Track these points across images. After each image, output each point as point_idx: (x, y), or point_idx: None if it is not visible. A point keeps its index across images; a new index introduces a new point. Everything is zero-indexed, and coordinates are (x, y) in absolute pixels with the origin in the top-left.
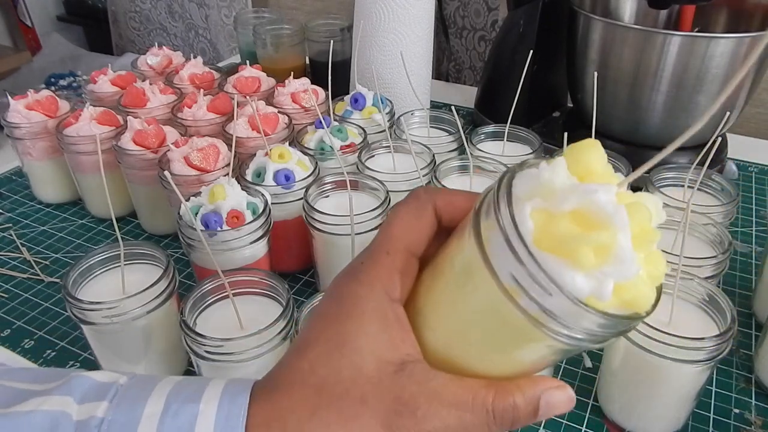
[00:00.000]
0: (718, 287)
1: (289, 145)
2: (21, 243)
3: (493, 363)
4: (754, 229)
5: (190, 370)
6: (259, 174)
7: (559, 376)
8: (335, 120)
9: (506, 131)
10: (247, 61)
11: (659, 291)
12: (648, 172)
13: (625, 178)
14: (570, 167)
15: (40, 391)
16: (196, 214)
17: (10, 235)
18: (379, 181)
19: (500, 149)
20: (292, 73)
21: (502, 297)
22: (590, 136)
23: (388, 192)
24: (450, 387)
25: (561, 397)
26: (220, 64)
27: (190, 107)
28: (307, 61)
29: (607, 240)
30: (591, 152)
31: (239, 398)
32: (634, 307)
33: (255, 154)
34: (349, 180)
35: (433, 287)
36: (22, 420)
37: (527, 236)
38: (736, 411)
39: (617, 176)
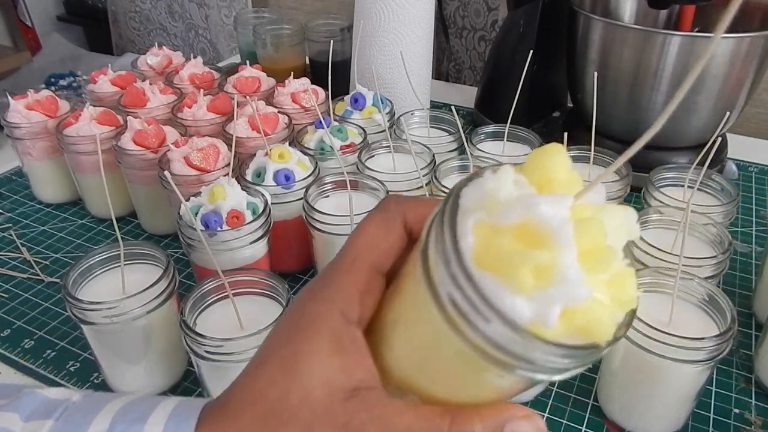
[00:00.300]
0: (718, 287)
1: (289, 145)
2: (21, 243)
3: (452, 391)
4: (754, 229)
5: (190, 370)
6: (259, 174)
7: None
8: (335, 120)
9: (506, 131)
10: (247, 61)
11: (630, 316)
12: (647, 172)
13: (582, 190)
14: (529, 175)
15: None
16: (196, 214)
17: (10, 235)
18: (379, 181)
19: (500, 149)
20: (292, 73)
21: (443, 323)
22: (590, 136)
23: (388, 192)
24: (404, 416)
25: (527, 428)
26: (220, 64)
27: (190, 107)
28: (307, 61)
29: (547, 259)
30: (551, 158)
31: (185, 423)
32: (590, 335)
33: (255, 154)
34: (349, 180)
35: (392, 308)
36: None
37: (466, 253)
38: (736, 411)
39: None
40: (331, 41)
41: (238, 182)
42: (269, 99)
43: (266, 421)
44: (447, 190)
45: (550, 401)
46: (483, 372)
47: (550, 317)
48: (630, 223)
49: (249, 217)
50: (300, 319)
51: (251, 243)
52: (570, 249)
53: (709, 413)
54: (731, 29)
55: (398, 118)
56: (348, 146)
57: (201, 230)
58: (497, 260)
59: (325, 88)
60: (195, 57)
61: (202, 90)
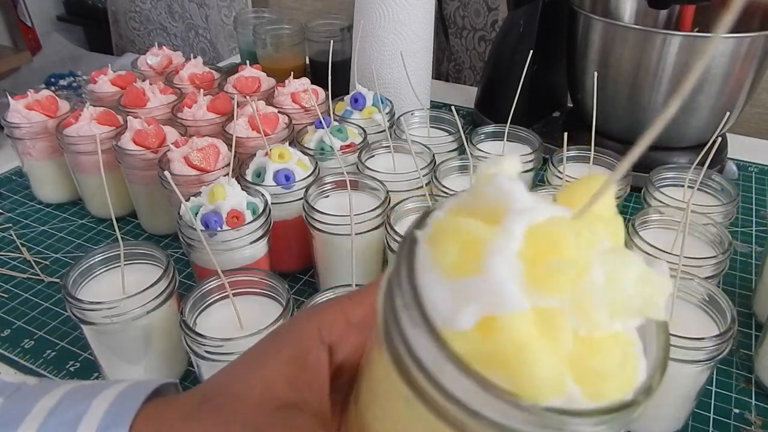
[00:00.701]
0: (718, 287)
1: (289, 145)
2: (21, 243)
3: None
4: (754, 229)
5: (190, 370)
6: (259, 174)
7: None
8: (335, 120)
9: (506, 131)
10: (247, 61)
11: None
12: (647, 172)
13: (583, 205)
14: (564, 200)
15: None
16: (196, 214)
17: (10, 235)
18: (379, 181)
19: (500, 149)
20: (292, 73)
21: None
22: (590, 136)
23: (388, 192)
24: None
25: None
26: (220, 64)
27: (190, 107)
28: (307, 61)
29: (476, 231)
30: (592, 188)
31: (132, 400)
32: (512, 368)
33: (255, 154)
34: (349, 180)
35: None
36: None
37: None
38: (736, 411)
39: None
40: (331, 41)
41: (238, 182)
42: (269, 99)
43: (200, 404)
44: (447, 190)
45: None
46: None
47: (459, 315)
48: (653, 286)
49: (249, 217)
50: (283, 326)
51: (251, 243)
52: (512, 236)
53: (709, 413)
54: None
55: (398, 118)
56: (348, 146)
57: (201, 230)
58: (438, 233)
59: (325, 88)
60: (195, 57)
61: (202, 90)
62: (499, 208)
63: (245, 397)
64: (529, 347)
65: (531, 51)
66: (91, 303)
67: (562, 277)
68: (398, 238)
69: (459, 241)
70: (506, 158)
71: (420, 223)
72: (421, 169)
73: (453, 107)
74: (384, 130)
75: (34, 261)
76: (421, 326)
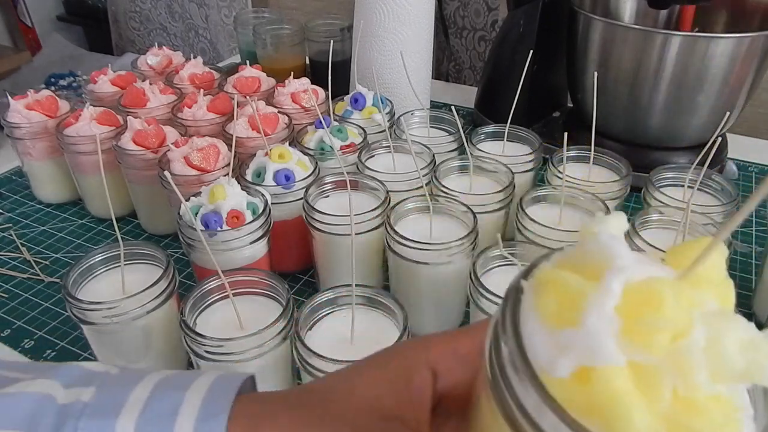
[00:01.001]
0: None
1: (289, 145)
2: (21, 243)
3: None
4: (754, 229)
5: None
6: (259, 174)
7: None
8: (335, 120)
9: (506, 131)
10: (247, 61)
11: None
12: (647, 172)
13: (690, 265)
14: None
15: (27, 379)
16: (196, 214)
17: (10, 235)
18: (379, 181)
19: (500, 149)
20: (292, 73)
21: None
22: (590, 136)
23: (388, 192)
24: None
25: None
26: (220, 64)
27: (190, 107)
28: (307, 61)
29: (577, 285)
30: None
31: (225, 393)
32: (608, 421)
33: (255, 154)
34: (349, 180)
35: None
36: (6, 402)
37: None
38: None
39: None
40: (331, 41)
41: (238, 182)
42: (269, 99)
43: (304, 395)
44: (447, 190)
45: None
46: None
47: (558, 363)
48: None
49: (249, 217)
50: (392, 346)
51: (251, 243)
52: (610, 292)
53: None
54: (731, 29)
55: (398, 118)
56: (348, 146)
57: (201, 230)
58: (542, 284)
59: (325, 88)
60: (195, 57)
61: (202, 90)
62: (601, 265)
63: (352, 400)
64: (623, 400)
65: (531, 51)
66: (91, 303)
67: (658, 334)
68: (398, 238)
69: (560, 294)
70: (612, 216)
71: (527, 273)
72: (421, 169)
73: (453, 107)
74: (384, 130)
75: (34, 261)
76: (522, 371)
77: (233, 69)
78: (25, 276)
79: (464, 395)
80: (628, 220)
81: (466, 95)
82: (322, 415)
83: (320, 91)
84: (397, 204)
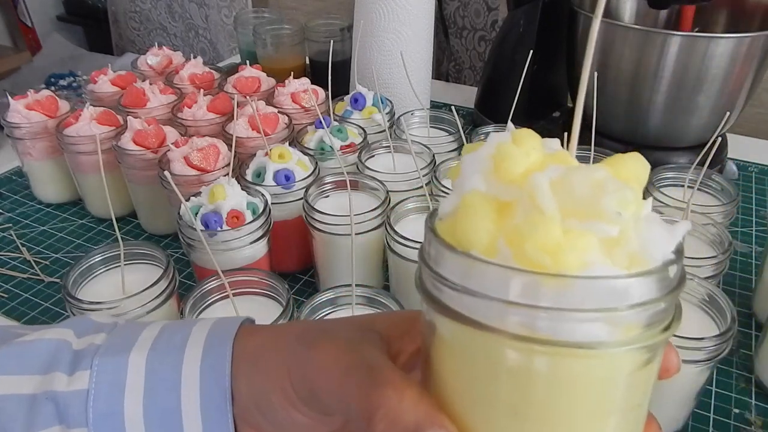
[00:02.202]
0: (718, 287)
1: (289, 145)
2: (21, 243)
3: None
4: (754, 229)
5: None
6: (259, 174)
7: None
8: (335, 120)
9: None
10: (247, 61)
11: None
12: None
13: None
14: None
15: (42, 330)
16: (196, 214)
17: (10, 235)
18: (379, 181)
19: None
20: (292, 73)
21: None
22: (590, 136)
23: (388, 192)
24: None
25: None
26: (220, 64)
27: (190, 107)
28: (307, 61)
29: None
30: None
31: (229, 324)
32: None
33: (255, 154)
34: (349, 180)
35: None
36: (25, 347)
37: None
38: (736, 411)
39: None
40: (331, 41)
41: (238, 182)
42: (269, 99)
43: (292, 323)
44: (447, 190)
45: None
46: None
47: (443, 204)
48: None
49: (249, 217)
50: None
51: (251, 243)
52: (488, 145)
53: (709, 413)
54: (731, 29)
55: (398, 118)
56: (348, 146)
57: (201, 230)
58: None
59: (325, 88)
60: (195, 57)
61: (202, 90)
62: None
63: (333, 321)
64: (474, 205)
65: (531, 51)
66: (91, 303)
67: (514, 169)
68: (398, 238)
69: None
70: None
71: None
72: (421, 169)
73: (453, 107)
74: (384, 130)
75: (34, 261)
76: (427, 227)
77: (233, 69)
78: (25, 276)
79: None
80: None
81: (466, 95)
82: (310, 328)
83: (320, 91)
84: (397, 204)
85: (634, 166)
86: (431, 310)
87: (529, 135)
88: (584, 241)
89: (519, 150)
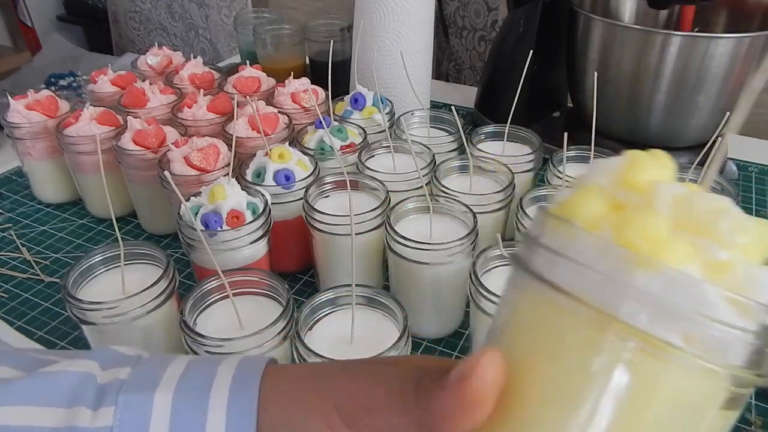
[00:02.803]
0: None
1: (289, 145)
2: (21, 243)
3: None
4: None
5: None
6: (259, 174)
7: None
8: (335, 120)
9: (506, 131)
10: (247, 61)
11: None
12: None
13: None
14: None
15: (66, 360)
16: (196, 214)
17: (10, 235)
18: (379, 181)
19: (500, 149)
20: (292, 73)
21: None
22: (590, 136)
23: (388, 192)
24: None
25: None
26: (220, 64)
27: (190, 107)
28: (307, 61)
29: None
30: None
31: (254, 367)
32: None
33: (255, 154)
34: (349, 180)
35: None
36: (50, 378)
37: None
38: None
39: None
40: (331, 41)
41: (238, 182)
42: (269, 99)
43: (320, 364)
44: (447, 190)
45: None
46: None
47: (560, 196)
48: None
49: (249, 217)
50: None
51: (251, 243)
52: (615, 160)
53: None
54: (731, 29)
55: (398, 118)
56: (348, 146)
57: (201, 230)
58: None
59: (325, 88)
60: (195, 57)
61: (202, 90)
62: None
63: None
64: (588, 190)
65: (531, 51)
66: (91, 303)
67: (642, 178)
68: (398, 238)
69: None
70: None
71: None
72: (421, 169)
73: (453, 107)
74: (384, 130)
75: (34, 261)
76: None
77: (233, 69)
78: (25, 276)
79: None
80: None
81: (466, 95)
82: (339, 367)
83: (320, 91)
84: (397, 204)
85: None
86: (523, 279)
87: (666, 156)
88: (688, 248)
89: (653, 162)
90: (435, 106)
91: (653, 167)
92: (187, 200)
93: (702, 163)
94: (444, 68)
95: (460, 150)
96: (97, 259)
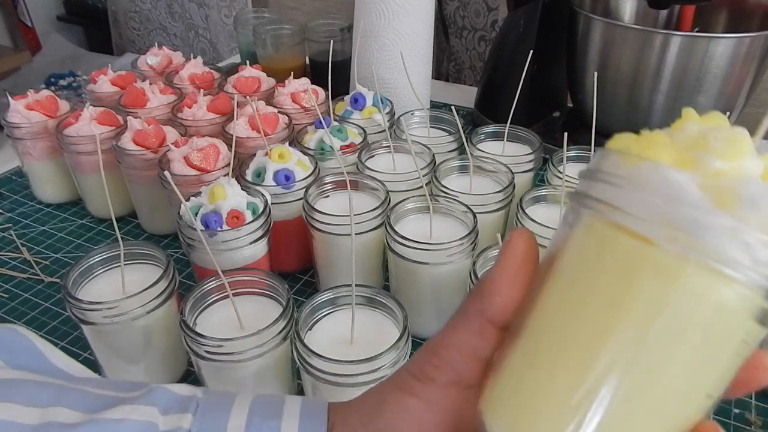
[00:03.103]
0: None
1: (289, 145)
2: (21, 243)
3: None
4: None
5: (190, 370)
6: (259, 174)
7: None
8: (335, 120)
9: (506, 131)
10: (247, 61)
11: None
12: None
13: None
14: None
15: (126, 399)
16: (196, 214)
17: (10, 235)
18: (379, 181)
19: (500, 149)
20: (292, 73)
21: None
22: (590, 136)
23: (388, 192)
24: None
25: None
26: (220, 64)
27: (190, 107)
28: (307, 61)
29: None
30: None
31: (318, 414)
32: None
33: (255, 154)
34: (349, 180)
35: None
36: (112, 428)
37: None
38: (736, 411)
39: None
40: (331, 41)
41: (238, 182)
42: (269, 99)
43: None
44: (447, 190)
45: None
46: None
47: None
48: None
49: (249, 217)
50: None
51: (251, 243)
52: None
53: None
54: (731, 29)
55: (398, 118)
56: (348, 146)
57: (201, 230)
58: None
59: (325, 88)
60: (195, 57)
61: (202, 90)
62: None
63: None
64: (658, 136)
65: (531, 51)
66: (91, 303)
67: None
68: (398, 238)
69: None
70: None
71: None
72: (421, 169)
73: (453, 107)
74: (384, 130)
75: (34, 261)
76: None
77: (233, 69)
78: (25, 276)
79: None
80: None
81: (466, 95)
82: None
83: (320, 91)
84: (397, 204)
85: None
86: (584, 207)
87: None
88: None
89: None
90: (435, 106)
91: (754, 154)
92: (187, 200)
93: None
94: (444, 68)
95: (460, 150)
96: (97, 259)
